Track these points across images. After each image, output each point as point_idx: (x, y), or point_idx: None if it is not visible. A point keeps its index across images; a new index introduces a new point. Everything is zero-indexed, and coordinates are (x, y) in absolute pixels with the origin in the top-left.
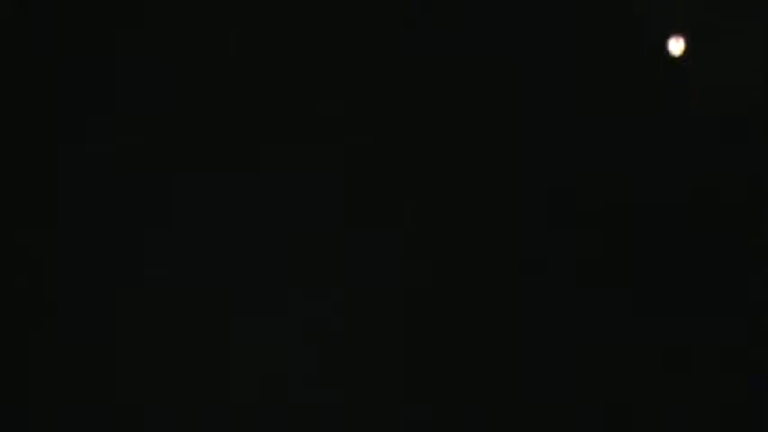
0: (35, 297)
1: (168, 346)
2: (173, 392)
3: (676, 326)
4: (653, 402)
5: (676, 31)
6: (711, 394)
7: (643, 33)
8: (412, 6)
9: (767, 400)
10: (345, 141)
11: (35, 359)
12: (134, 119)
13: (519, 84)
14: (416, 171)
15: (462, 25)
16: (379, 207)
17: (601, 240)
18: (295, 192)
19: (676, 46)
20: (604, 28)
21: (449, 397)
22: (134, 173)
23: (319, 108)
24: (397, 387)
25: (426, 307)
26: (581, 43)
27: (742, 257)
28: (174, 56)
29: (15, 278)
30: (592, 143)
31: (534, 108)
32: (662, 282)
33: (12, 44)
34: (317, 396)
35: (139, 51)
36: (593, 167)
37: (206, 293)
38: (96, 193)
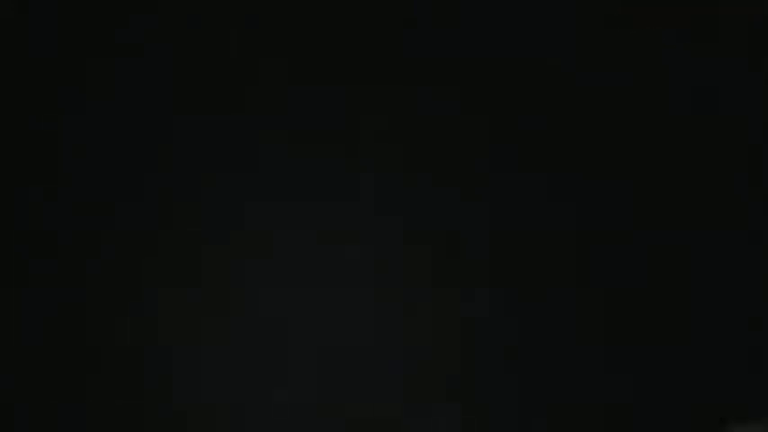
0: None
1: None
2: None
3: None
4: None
5: None
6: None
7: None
8: (412, 6)
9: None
10: (346, 141)
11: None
12: (134, 119)
13: (518, 84)
14: (417, 171)
15: (462, 25)
16: (379, 207)
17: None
18: (295, 192)
19: None
20: (604, 27)
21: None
22: (134, 173)
23: (319, 108)
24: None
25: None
26: (581, 42)
27: (741, 257)
28: (174, 56)
29: (14, 279)
30: (592, 143)
31: (534, 108)
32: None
33: (12, 44)
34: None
35: (139, 51)
36: (593, 167)
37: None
38: (96, 192)
